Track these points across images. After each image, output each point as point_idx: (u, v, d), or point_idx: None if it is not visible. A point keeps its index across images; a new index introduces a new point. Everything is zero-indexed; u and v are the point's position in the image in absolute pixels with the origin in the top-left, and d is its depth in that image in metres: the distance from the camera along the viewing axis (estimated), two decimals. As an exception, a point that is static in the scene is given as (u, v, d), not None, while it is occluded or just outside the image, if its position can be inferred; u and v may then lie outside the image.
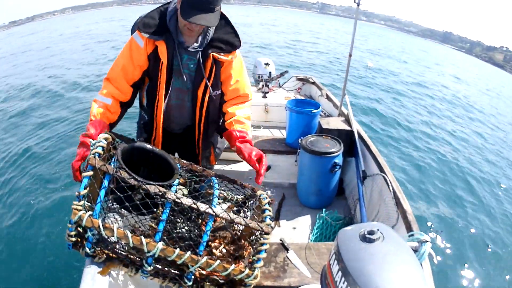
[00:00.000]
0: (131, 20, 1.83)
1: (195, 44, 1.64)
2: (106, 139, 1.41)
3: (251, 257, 1.41)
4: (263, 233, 1.38)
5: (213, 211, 1.31)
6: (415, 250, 1.39)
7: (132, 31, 1.70)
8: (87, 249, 1.28)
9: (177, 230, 1.39)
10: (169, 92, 1.70)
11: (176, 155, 1.99)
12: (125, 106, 1.70)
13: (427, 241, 1.39)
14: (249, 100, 1.85)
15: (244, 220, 1.36)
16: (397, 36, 59.51)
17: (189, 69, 1.69)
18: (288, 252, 1.79)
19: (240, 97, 1.82)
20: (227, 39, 1.67)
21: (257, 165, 1.63)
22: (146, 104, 1.79)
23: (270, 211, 1.50)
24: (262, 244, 1.37)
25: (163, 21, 1.60)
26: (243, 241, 1.49)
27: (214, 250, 1.41)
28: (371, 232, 0.94)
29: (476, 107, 11.94)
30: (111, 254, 1.32)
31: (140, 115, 1.93)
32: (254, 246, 1.43)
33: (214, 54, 1.64)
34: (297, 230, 2.72)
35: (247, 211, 1.57)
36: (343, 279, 0.89)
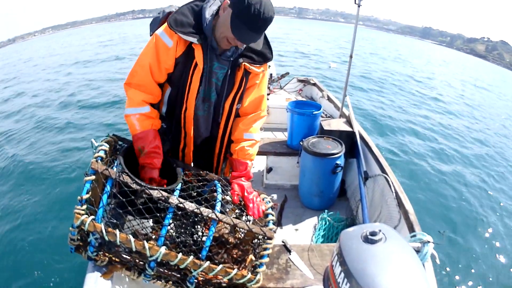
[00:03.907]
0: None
1: (227, 52, 1.50)
2: (108, 142, 1.41)
3: (253, 261, 1.40)
4: (266, 237, 1.38)
5: (216, 216, 1.31)
6: (418, 251, 1.39)
7: (152, 29, 1.53)
8: (90, 253, 1.29)
9: (180, 234, 1.39)
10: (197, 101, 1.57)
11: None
12: (156, 107, 1.56)
13: (429, 242, 1.39)
14: (264, 116, 1.76)
15: (247, 225, 1.35)
16: (376, 35, 58.99)
17: (217, 78, 1.55)
18: (290, 254, 1.79)
19: (256, 114, 1.70)
20: (260, 49, 1.53)
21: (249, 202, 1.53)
22: (166, 112, 1.63)
23: (273, 215, 1.49)
24: (265, 249, 1.36)
25: (198, 23, 1.42)
26: (245, 245, 1.49)
27: (215, 256, 1.40)
28: (373, 233, 0.94)
29: (469, 100, 11.96)
30: (113, 258, 1.33)
31: None
32: (256, 251, 1.43)
33: (245, 64, 1.52)
34: (299, 231, 2.72)
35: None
36: (345, 280, 0.89)
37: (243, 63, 1.51)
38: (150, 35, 1.50)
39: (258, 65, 1.56)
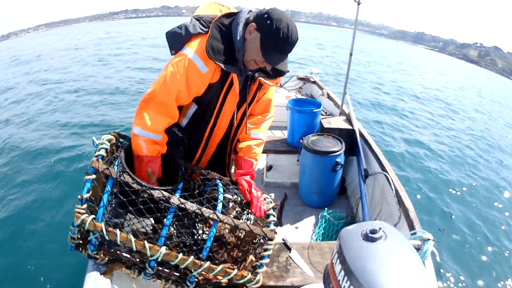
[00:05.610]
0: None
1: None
2: (109, 140, 1.40)
3: (253, 262, 1.40)
4: (266, 238, 1.37)
5: (217, 217, 1.30)
6: (418, 249, 1.39)
7: (175, 46, 1.40)
8: (90, 251, 1.28)
9: (180, 234, 1.39)
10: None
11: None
12: None
13: (429, 239, 1.39)
14: (271, 118, 1.79)
15: (248, 225, 1.35)
16: (368, 40, 57.45)
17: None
18: (290, 252, 1.79)
19: (264, 114, 1.75)
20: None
21: (255, 201, 1.53)
22: (186, 124, 1.59)
23: (274, 216, 1.47)
24: (265, 250, 1.36)
25: (230, 47, 1.40)
26: (245, 245, 1.48)
27: (216, 255, 1.40)
28: (373, 231, 0.94)
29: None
30: (113, 257, 1.32)
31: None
32: (257, 251, 1.42)
33: (261, 79, 1.54)
34: (299, 229, 2.72)
35: (250, 213, 1.56)
36: (345, 278, 0.89)
37: (259, 78, 1.54)
38: (172, 53, 1.41)
39: (272, 79, 1.58)
